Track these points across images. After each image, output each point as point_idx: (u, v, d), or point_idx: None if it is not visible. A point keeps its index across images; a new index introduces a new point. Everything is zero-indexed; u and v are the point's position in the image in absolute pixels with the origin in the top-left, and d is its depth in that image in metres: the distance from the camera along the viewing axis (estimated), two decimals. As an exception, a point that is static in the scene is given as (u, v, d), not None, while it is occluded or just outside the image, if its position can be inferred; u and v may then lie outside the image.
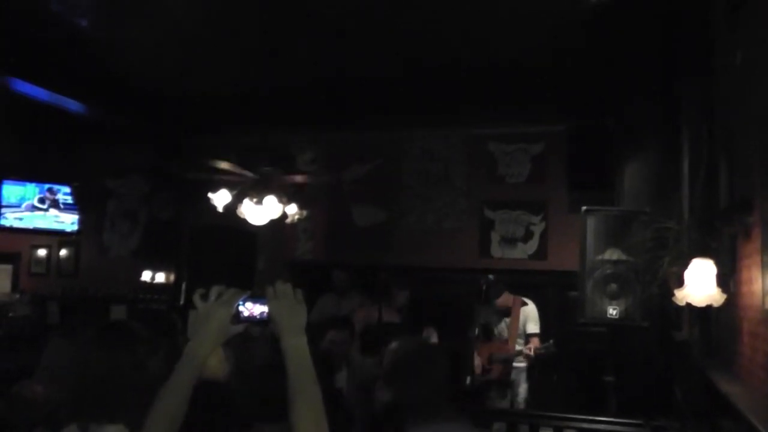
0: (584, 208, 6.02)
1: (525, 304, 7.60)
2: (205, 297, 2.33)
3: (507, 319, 7.58)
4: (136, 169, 11.82)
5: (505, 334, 7.53)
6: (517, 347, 7.52)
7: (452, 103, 9.14)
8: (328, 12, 6.71)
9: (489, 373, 7.38)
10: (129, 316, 9.99)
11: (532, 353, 7.25)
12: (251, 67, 8.10)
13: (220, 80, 8.75)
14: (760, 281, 3.53)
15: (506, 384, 7.46)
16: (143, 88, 9.12)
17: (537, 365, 7.60)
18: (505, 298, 7.59)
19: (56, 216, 11.61)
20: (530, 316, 7.51)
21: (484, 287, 7.37)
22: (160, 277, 11.23)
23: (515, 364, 7.51)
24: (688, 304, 4.35)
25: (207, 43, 7.64)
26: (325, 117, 9.99)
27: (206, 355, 2.26)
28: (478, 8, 6.48)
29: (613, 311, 5.72)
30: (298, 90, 8.80)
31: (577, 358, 8.05)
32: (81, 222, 11.78)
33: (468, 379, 7.24)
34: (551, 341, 7.24)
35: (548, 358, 7.30)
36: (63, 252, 12.33)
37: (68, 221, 11.70)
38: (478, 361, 7.44)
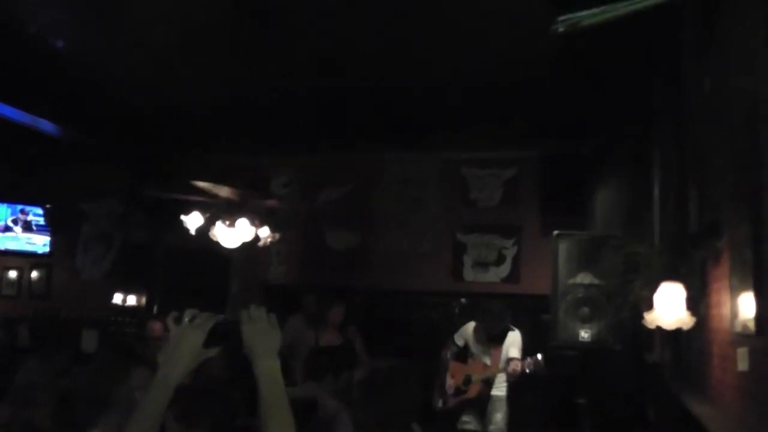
0: (556, 232, 6.07)
1: (511, 330, 7.55)
2: (178, 320, 2.32)
3: (493, 342, 7.47)
4: (110, 192, 11.76)
5: (488, 359, 7.45)
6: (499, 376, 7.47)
7: (425, 128, 9.18)
8: (302, 36, 6.75)
9: (465, 394, 7.33)
10: (101, 339, 9.92)
11: (519, 369, 7.11)
12: (226, 89, 8.12)
13: (194, 103, 8.75)
14: (729, 304, 3.58)
15: (484, 404, 7.40)
16: (118, 110, 9.10)
17: (517, 388, 7.53)
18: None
19: (28, 237, 11.54)
20: (514, 342, 7.41)
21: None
22: (132, 300, 11.16)
23: (494, 393, 7.43)
24: (659, 327, 4.40)
25: (181, 66, 7.65)
26: (299, 140, 10.01)
27: (178, 379, 2.24)
28: (451, 34, 6.54)
29: (585, 334, 5.75)
30: (273, 113, 8.82)
31: (550, 382, 8.07)
32: (53, 244, 11.72)
33: (440, 402, 7.24)
34: (539, 356, 7.10)
35: (538, 373, 7.16)
36: (34, 274, 12.22)
37: (40, 243, 11.64)
38: (450, 382, 7.39)
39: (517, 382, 7.38)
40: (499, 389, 7.45)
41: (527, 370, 7.09)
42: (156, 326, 7.02)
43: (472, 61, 7.15)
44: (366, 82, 7.82)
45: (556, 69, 7.08)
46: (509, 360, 7.31)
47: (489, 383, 7.36)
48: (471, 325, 7.59)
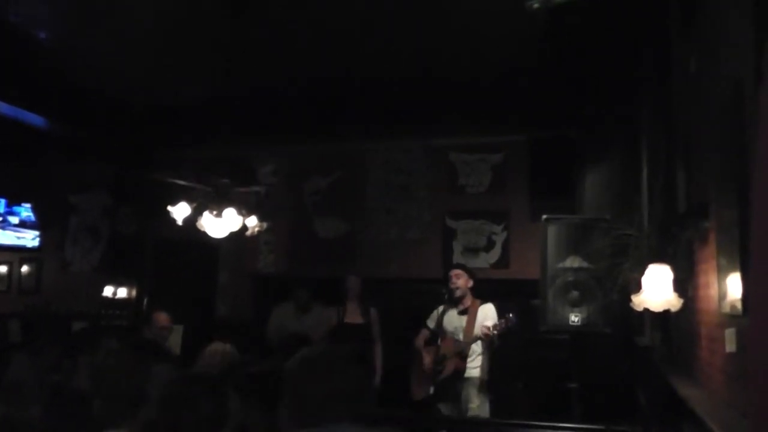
0: (544, 216, 6.07)
1: (484, 303, 7.40)
2: None
3: (464, 317, 7.29)
4: (98, 184, 11.71)
5: (461, 335, 7.32)
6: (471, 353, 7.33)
7: (413, 115, 9.16)
8: (288, 27, 6.72)
9: (441, 373, 7.22)
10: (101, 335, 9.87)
11: (490, 332, 6.81)
12: (213, 80, 8.09)
13: (181, 94, 8.72)
14: (716, 285, 3.57)
15: (461, 377, 7.23)
16: (104, 102, 9.06)
17: (498, 365, 7.43)
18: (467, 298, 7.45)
19: (17, 232, 11.49)
20: (488, 315, 7.18)
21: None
22: (122, 293, 11.11)
23: (466, 376, 7.26)
24: (648, 310, 4.39)
25: (168, 57, 7.62)
26: (287, 129, 9.98)
27: None
28: (439, 21, 6.52)
29: (575, 318, 5.76)
30: (260, 102, 8.79)
31: (540, 366, 8.07)
32: (42, 238, 11.67)
33: (431, 389, 7.19)
34: (509, 314, 6.86)
35: (510, 331, 6.88)
36: (24, 268, 12.16)
37: (29, 237, 11.59)
38: (426, 365, 7.25)
39: (495, 351, 7.22)
40: (472, 370, 7.17)
41: (496, 331, 6.83)
42: (161, 316, 6.98)
43: (458, 47, 7.13)
44: (352, 70, 7.80)
45: (543, 53, 7.07)
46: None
47: (463, 356, 7.19)
48: (441, 307, 7.50)
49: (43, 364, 6.28)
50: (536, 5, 3.11)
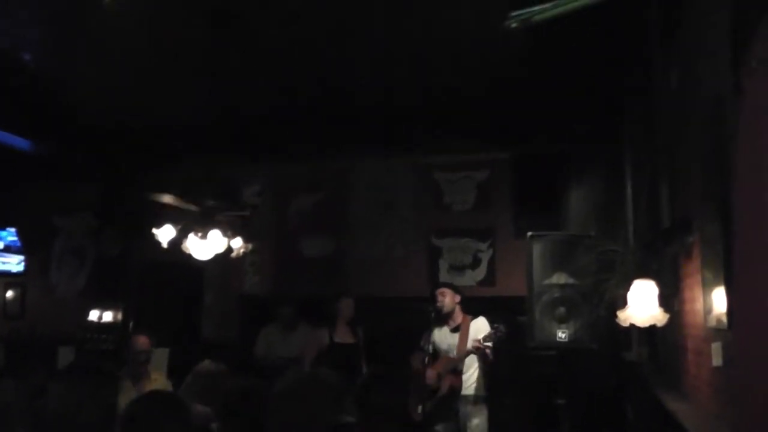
0: (530, 233, 6.07)
1: (474, 319, 7.37)
2: None
3: (457, 334, 7.26)
4: (83, 206, 11.65)
5: (455, 351, 7.30)
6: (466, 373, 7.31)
7: (397, 133, 9.17)
8: (271, 45, 6.73)
9: (438, 392, 7.19)
10: (77, 357, 9.81)
11: (481, 344, 6.79)
12: (196, 100, 8.08)
13: (165, 114, 8.71)
14: (701, 299, 3.58)
15: (457, 394, 7.22)
16: (88, 124, 9.03)
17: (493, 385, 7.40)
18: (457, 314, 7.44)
19: (2, 257, 11.43)
20: (481, 329, 7.12)
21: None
22: (108, 316, 11.02)
23: (464, 393, 7.25)
24: (634, 325, 4.41)
25: (151, 78, 7.61)
26: (271, 149, 9.98)
27: None
28: (422, 39, 6.54)
29: (562, 334, 5.75)
30: (244, 122, 8.79)
31: (528, 383, 8.06)
32: (27, 262, 11.60)
33: (420, 408, 7.16)
34: (498, 325, 6.87)
35: (500, 340, 6.85)
36: (9, 293, 12.07)
37: (14, 262, 11.53)
38: (425, 385, 7.23)
39: (491, 366, 7.21)
40: (469, 387, 7.17)
41: (487, 343, 6.83)
42: (141, 339, 6.90)
43: (442, 66, 7.14)
44: (336, 88, 7.81)
45: (526, 70, 7.09)
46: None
47: (458, 372, 7.17)
48: (430, 328, 7.46)
49: (28, 389, 6.23)
50: (514, 24, 3.13)
